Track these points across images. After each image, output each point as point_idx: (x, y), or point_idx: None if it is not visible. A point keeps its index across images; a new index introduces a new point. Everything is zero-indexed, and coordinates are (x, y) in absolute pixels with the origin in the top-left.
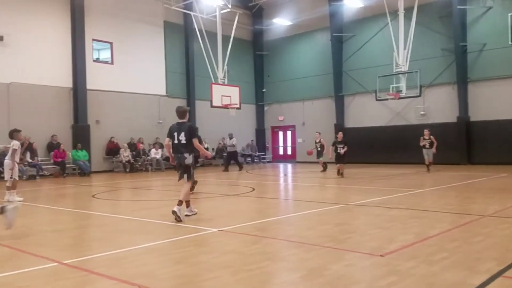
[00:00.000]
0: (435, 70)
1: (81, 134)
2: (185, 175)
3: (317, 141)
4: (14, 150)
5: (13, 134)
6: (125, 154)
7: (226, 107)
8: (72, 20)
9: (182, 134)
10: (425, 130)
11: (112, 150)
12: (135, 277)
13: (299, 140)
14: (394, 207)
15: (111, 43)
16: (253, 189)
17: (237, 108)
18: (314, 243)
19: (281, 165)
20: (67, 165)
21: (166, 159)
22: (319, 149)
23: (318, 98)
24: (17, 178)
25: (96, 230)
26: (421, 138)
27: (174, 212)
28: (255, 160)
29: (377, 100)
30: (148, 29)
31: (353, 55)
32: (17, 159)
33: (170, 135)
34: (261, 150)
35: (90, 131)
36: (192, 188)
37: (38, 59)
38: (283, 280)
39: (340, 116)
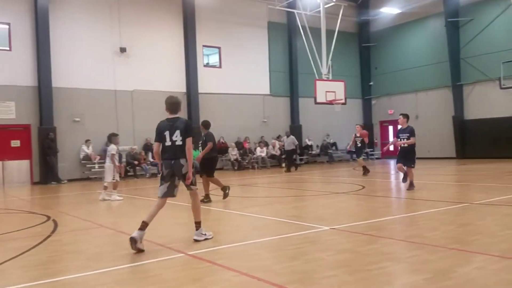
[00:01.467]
0: None
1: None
2: (190, 185)
3: (358, 135)
4: (112, 155)
5: (111, 138)
6: (233, 153)
7: (330, 103)
8: (185, 29)
9: (177, 133)
10: None
11: (221, 149)
12: (254, 270)
13: None
14: None
15: (219, 48)
16: (363, 187)
17: (342, 104)
18: (438, 244)
19: (392, 162)
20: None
21: (272, 156)
22: (359, 145)
23: (432, 89)
24: (118, 179)
25: (213, 224)
26: None
27: (197, 239)
28: (363, 157)
29: (501, 88)
30: (253, 31)
31: (471, 41)
32: (115, 162)
33: (160, 137)
34: (369, 146)
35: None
36: (206, 198)
37: (156, 67)
38: (406, 282)
39: (459, 108)
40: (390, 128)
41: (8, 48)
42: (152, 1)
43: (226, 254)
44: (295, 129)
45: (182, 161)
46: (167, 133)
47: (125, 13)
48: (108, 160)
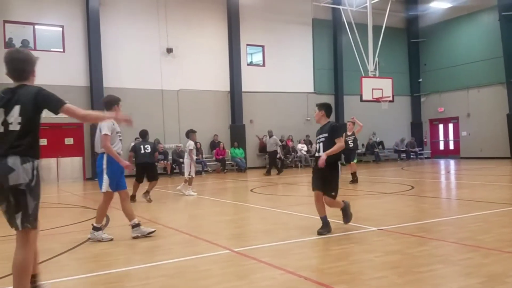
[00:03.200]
0: None
1: (237, 133)
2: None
3: (349, 133)
4: (190, 150)
5: (189, 134)
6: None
7: (377, 100)
8: (229, 28)
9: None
10: None
11: (264, 147)
12: (300, 269)
13: (463, 133)
14: None
15: (263, 46)
16: (412, 187)
17: (390, 101)
18: (491, 247)
19: (442, 161)
20: (227, 162)
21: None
22: (351, 145)
23: (485, 86)
24: (193, 175)
25: (258, 222)
26: None
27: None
28: (411, 156)
29: None
30: (297, 29)
31: None
32: (193, 157)
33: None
34: (418, 145)
35: (245, 130)
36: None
37: (201, 66)
38: (459, 286)
39: None
40: (441, 126)
41: (62, 50)
42: (197, 2)
43: (272, 252)
44: (340, 127)
45: (13, 161)
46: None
47: (172, 15)
48: (186, 155)
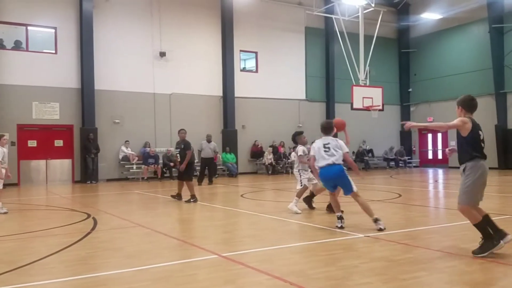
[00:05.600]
0: None
1: (229, 138)
2: None
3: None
4: (300, 156)
5: (296, 137)
6: (269, 157)
7: (367, 109)
8: (223, 33)
9: None
10: None
11: (256, 153)
12: (287, 274)
13: (452, 143)
14: None
15: (256, 53)
16: (400, 195)
17: (380, 110)
18: (478, 256)
19: (431, 170)
20: (218, 167)
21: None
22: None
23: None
24: (306, 185)
25: (247, 227)
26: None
27: None
28: (400, 165)
29: None
30: (290, 36)
31: None
32: (305, 162)
33: None
34: (407, 153)
35: (237, 136)
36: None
37: (194, 71)
38: None
39: (502, 116)
40: (429, 136)
41: (54, 51)
42: (191, 6)
43: (259, 257)
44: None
45: None
46: None
47: (165, 18)
48: (296, 165)
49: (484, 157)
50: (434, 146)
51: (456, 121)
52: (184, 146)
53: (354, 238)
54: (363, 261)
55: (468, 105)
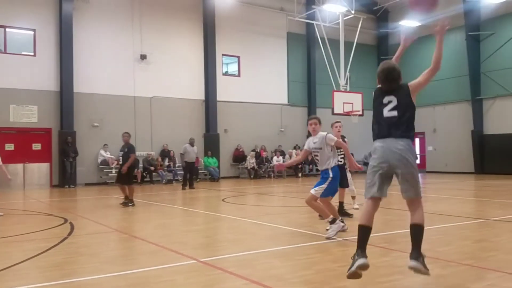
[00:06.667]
0: None
1: (211, 142)
2: None
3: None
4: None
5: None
6: (251, 161)
7: (348, 114)
8: (205, 38)
9: None
10: None
11: (238, 157)
12: (265, 279)
13: (429, 148)
14: None
15: (238, 57)
16: None
17: (360, 115)
18: (451, 259)
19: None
20: (200, 171)
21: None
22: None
23: (451, 103)
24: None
25: (227, 232)
26: None
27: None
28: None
29: None
30: (272, 41)
31: (492, 55)
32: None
33: None
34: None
35: (219, 140)
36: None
37: (175, 74)
38: None
39: (479, 122)
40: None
41: (32, 54)
42: (173, 10)
43: (238, 262)
44: None
45: None
46: None
47: (147, 21)
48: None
49: (380, 135)
50: None
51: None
52: (128, 149)
53: (331, 242)
54: (340, 265)
55: (377, 75)
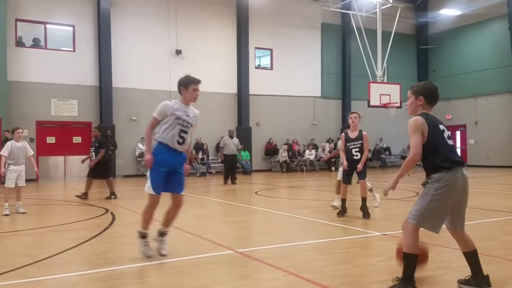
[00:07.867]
0: None
1: (244, 136)
2: None
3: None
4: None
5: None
6: (284, 155)
7: (385, 106)
8: (238, 31)
9: None
10: None
11: (270, 150)
12: (303, 271)
13: (470, 141)
14: None
15: (271, 50)
16: (417, 194)
17: (398, 107)
18: (495, 254)
19: None
20: None
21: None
22: (356, 156)
23: (494, 94)
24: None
25: (262, 224)
26: None
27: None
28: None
29: None
30: (306, 33)
31: None
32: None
33: None
34: None
35: (251, 133)
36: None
37: (209, 68)
38: None
39: None
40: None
41: (72, 49)
42: (207, 4)
43: (275, 254)
44: None
45: None
46: None
47: (182, 16)
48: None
49: (456, 164)
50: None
51: (411, 135)
52: (98, 144)
53: (371, 236)
54: (379, 259)
55: (433, 95)
